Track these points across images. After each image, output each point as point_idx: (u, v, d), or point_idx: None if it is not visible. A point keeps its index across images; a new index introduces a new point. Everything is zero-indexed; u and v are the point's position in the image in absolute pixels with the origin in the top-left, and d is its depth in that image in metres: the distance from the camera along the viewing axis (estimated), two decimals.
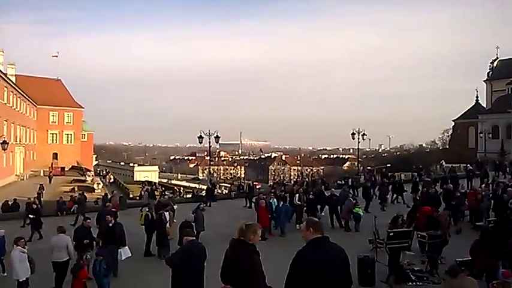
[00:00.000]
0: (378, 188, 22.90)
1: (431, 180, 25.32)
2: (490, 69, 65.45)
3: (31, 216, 18.52)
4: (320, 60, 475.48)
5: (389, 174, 32.58)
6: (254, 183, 38.63)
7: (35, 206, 19.22)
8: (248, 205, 24.65)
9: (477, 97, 65.74)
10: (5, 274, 11.60)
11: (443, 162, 43.27)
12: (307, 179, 42.47)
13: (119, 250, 11.22)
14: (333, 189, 20.45)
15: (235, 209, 24.21)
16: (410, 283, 9.88)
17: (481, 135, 54.95)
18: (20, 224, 20.18)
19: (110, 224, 11.76)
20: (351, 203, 17.06)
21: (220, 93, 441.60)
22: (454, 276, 6.27)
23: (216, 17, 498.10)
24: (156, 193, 31.15)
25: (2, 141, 28.95)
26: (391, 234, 10.68)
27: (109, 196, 25.43)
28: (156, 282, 10.44)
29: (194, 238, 7.65)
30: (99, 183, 45.38)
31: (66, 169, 58.58)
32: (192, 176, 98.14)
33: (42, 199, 29.12)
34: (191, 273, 6.85)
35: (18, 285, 8.98)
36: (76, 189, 38.53)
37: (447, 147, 71.22)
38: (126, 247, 11.51)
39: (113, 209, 20.49)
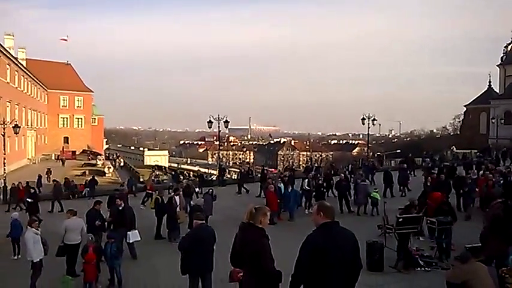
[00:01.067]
0: (399, 173, 22.56)
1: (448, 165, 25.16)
2: (504, 53, 64.03)
3: (29, 200, 18.38)
4: (324, 43, 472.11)
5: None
6: (266, 169, 38.67)
7: (32, 190, 19.11)
8: (238, 191, 24.82)
9: (490, 82, 64.66)
10: (20, 256, 11.84)
11: (454, 148, 42.96)
12: (316, 165, 42.44)
13: (128, 233, 11.33)
14: (342, 175, 20.34)
15: (244, 194, 24.37)
16: (419, 269, 9.88)
17: (493, 120, 53.96)
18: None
19: (120, 208, 11.89)
20: (368, 188, 17.18)
21: (230, 77, 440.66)
22: (465, 262, 6.25)
23: (227, 1, 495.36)
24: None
25: (13, 125, 29.18)
26: (400, 219, 10.63)
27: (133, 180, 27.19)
28: (166, 264, 10.59)
29: (204, 221, 7.70)
30: (110, 167, 45.85)
31: (77, 153, 59.15)
32: (186, 160, 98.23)
33: (47, 183, 29.53)
34: (201, 256, 6.92)
35: (32, 266, 9.16)
36: (87, 172, 39.02)
37: (458, 133, 70.43)
38: (136, 230, 11.60)
39: (149, 190, 21.40)
